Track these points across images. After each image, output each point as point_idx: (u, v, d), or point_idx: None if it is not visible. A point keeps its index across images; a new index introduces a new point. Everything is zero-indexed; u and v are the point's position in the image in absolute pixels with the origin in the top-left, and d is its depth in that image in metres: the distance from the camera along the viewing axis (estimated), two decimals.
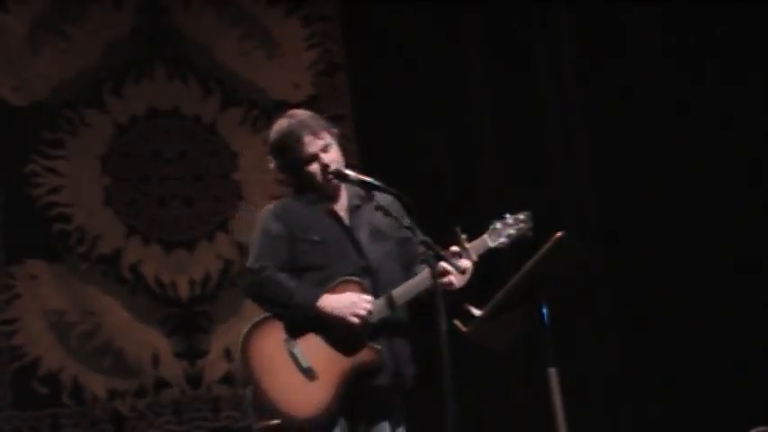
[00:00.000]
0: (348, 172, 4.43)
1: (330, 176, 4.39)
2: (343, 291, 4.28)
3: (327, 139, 4.44)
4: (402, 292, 4.32)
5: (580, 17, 7.40)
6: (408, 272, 4.41)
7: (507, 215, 4.48)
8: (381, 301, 4.31)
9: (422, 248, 4.27)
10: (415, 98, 7.10)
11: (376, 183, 4.34)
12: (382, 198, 4.42)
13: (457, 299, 4.27)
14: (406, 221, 4.26)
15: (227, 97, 7.00)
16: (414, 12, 7.20)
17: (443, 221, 4.39)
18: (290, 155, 4.41)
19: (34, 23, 6.70)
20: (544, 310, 4.46)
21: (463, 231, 4.38)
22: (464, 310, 4.39)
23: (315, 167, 4.40)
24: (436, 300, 4.12)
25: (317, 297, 4.25)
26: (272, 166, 4.52)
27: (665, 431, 6.78)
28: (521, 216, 4.50)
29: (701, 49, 7.27)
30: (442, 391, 4.06)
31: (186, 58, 6.97)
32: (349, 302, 4.24)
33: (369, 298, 4.26)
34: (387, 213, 4.32)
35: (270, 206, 4.49)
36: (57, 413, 6.41)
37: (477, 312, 4.40)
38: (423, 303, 4.35)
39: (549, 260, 4.37)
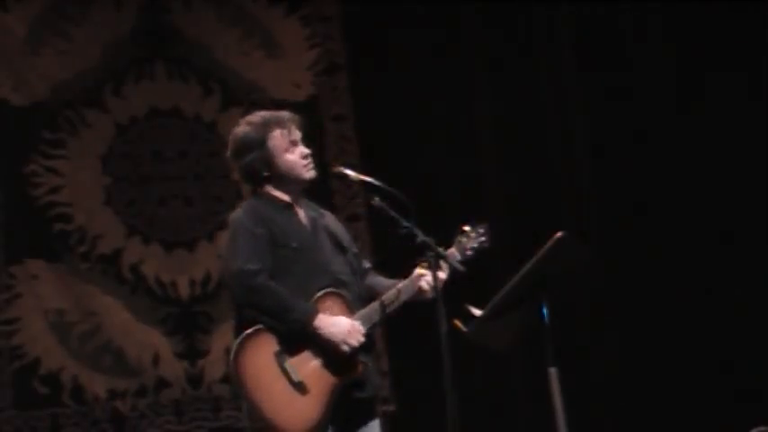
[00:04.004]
0: (348, 172, 4.43)
1: (309, 166, 4.37)
2: (330, 306, 4.25)
3: (300, 135, 4.42)
4: (392, 297, 4.32)
5: (580, 17, 7.40)
6: (363, 285, 4.44)
7: (467, 228, 4.57)
8: (374, 306, 4.31)
9: (367, 266, 4.42)
10: (415, 98, 7.10)
11: (376, 183, 4.34)
12: (329, 216, 4.48)
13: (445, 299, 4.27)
14: (405, 222, 4.25)
15: (227, 97, 7.00)
16: (414, 12, 7.20)
17: (443, 222, 4.40)
18: (263, 147, 4.34)
19: (34, 23, 6.70)
20: (544, 310, 4.47)
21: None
22: (464, 311, 4.39)
23: (292, 157, 4.37)
24: (436, 301, 4.13)
25: (313, 315, 4.20)
26: (234, 167, 4.45)
27: (665, 431, 6.78)
28: (480, 229, 4.59)
29: (702, 49, 7.26)
30: (443, 391, 4.06)
31: (186, 57, 6.97)
32: (345, 330, 4.21)
33: (360, 327, 4.24)
34: (386, 213, 4.31)
35: (243, 207, 4.39)
36: (57, 413, 6.41)
37: (477, 312, 4.40)
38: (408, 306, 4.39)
39: (549, 260, 4.38)
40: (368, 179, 4.37)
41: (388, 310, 4.33)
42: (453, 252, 4.48)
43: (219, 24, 7.05)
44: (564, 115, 7.40)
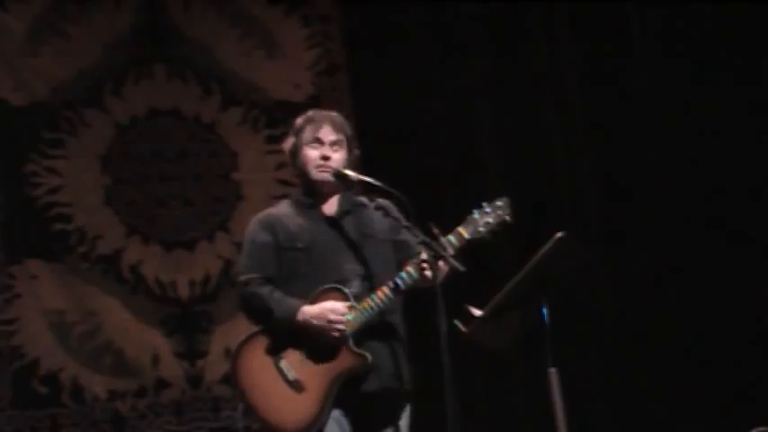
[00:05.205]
0: (348, 172, 4.43)
1: (322, 168, 4.37)
2: (324, 301, 4.25)
3: (342, 139, 4.45)
4: (405, 277, 4.26)
5: (580, 17, 7.40)
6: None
7: (484, 204, 4.36)
8: (380, 293, 4.26)
9: (420, 249, 4.25)
10: (414, 98, 7.09)
11: (376, 183, 4.33)
12: (371, 207, 4.44)
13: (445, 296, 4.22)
14: (405, 222, 4.24)
15: (227, 97, 6.99)
16: (414, 12, 7.20)
17: (443, 222, 4.39)
18: (298, 136, 4.45)
19: (34, 23, 6.70)
20: (544, 310, 4.47)
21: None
22: (464, 311, 4.39)
23: (312, 153, 4.40)
24: (436, 300, 4.12)
25: (295, 311, 4.23)
26: (285, 147, 4.53)
27: (664, 431, 6.78)
28: (498, 203, 4.37)
29: (702, 48, 7.26)
30: (442, 391, 4.06)
31: (186, 58, 6.96)
32: (325, 318, 4.21)
33: (344, 310, 4.23)
34: (387, 214, 4.32)
35: (258, 216, 4.48)
36: (57, 413, 6.42)
37: (477, 313, 4.40)
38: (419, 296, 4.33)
39: (549, 260, 4.38)
40: (368, 179, 4.36)
41: (401, 290, 4.27)
42: (460, 231, 4.29)
43: (219, 24, 7.05)
44: (564, 115, 7.40)
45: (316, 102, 6.99)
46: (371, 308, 4.26)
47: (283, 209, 4.47)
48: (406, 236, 4.38)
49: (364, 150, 6.87)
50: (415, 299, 4.36)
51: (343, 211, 4.44)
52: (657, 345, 6.98)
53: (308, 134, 4.43)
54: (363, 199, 4.52)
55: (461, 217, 4.39)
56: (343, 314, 4.22)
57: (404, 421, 4.37)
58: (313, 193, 4.45)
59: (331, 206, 4.45)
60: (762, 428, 5.64)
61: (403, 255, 4.39)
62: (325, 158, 4.40)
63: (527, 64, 7.38)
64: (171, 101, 6.92)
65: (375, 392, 4.29)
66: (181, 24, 6.97)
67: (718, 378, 6.87)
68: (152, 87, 6.89)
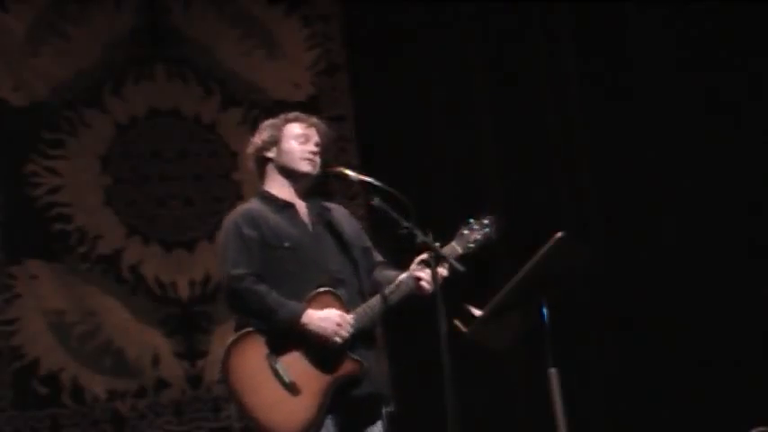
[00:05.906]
0: (348, 172, 4.44)
1: (311, 162, 4.40)
2: (324, 304, 4.25)
3: (318, 140, 4.47)
4: (394, 288, 4.30)
5: (580, 17, 7.40)
6: (370, 280, 4.43)
7: (472, 220, 4.47)
8: (370, 303, 4.30)
9: (378, 260, 4.38)
10: (415, 98, 7.09)
11: (376, 183, 4.34)
12: (338, 211, 4.49)
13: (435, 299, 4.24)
14: (405, 222, 4.25)
15: (227, 97, 6.99)
16: (414, 12, 7.20)
17: (443, 222, 4.39)
18: (279, 129, 4.46)
19: (34, 23, 6.70)
20: (544, 310, 4.47)
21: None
22: (464, 311, 4.39)
23: (300, 146, 4.42)
24: (436, 301, 4.12)
25: (300, 313, 4.21)
26: (250, 146, 4.54)
27: (664, 431, 6.78)
28: (485, 221, 4.47)
29: (702, 48, 7.26)
30: (443, 391, 4.06)
31: (186, 58, 6.96)
32: (333, 323, 4.21)
33: (351, 319, 4.24)
34: (386, 213, 4.32)
35: (237, 210, 4.45)
36: (57, 413, 6.41)
37: (477, 313, 4.41)
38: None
39: (548, 260, 4.39)
40: (368, 179, 4.37)
41: (387, 303, 4.30)
42: (454, 246, 4.38)
43: (219, 24, 7.05)
44: (564, 115, 7.40)
45: (316, 102, 6.99)
46: (367, 315, 4.28)
47: (258, 205, 4.44)
48: (369, 243, 4.49)
49: (364, 150, 6.95)
50: (414, 299, 4.37)
51: (315, 214, 4.45)
52: (657, 345, 6.98)
53: (296, 129, 4.46)
54: (329, 204, 4.55)
55: (460, 217, 4.42)
56: (348, 323, 4.22)
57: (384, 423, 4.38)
58: (291, 185, 4.44)
59: (302, 206, 4.45)
60: (762, 428, 5.64)
61: (367, 263, 4.45)
62: (312, 153, 4.42)
63: (527, 64, 7.38)
64: (171, 101, 6.92)
65: (367, 396, 4.30)
66: (181, 24, 6.97)
67: (718, 378, 6.88)
68: (152, 87, 6.89)
